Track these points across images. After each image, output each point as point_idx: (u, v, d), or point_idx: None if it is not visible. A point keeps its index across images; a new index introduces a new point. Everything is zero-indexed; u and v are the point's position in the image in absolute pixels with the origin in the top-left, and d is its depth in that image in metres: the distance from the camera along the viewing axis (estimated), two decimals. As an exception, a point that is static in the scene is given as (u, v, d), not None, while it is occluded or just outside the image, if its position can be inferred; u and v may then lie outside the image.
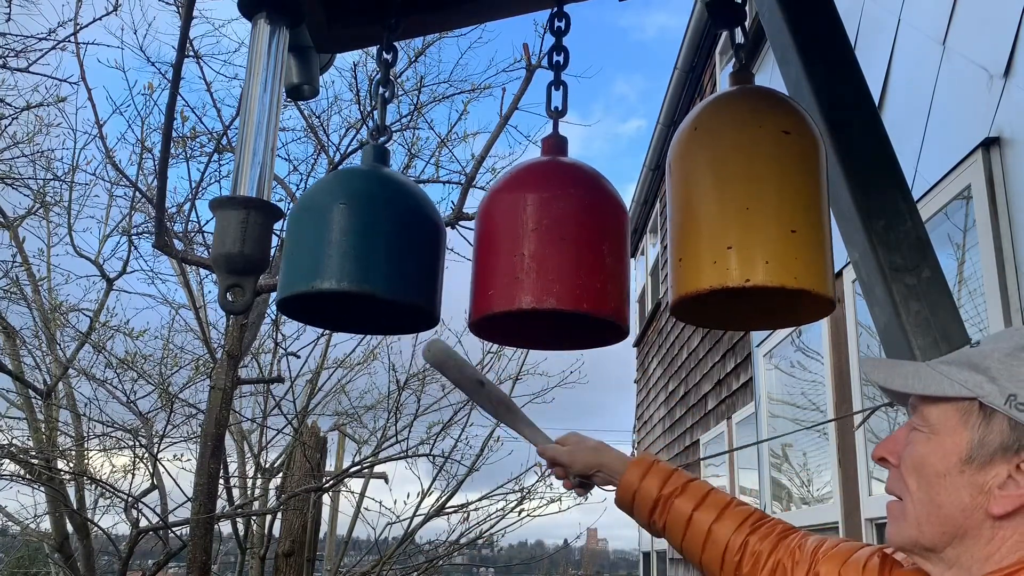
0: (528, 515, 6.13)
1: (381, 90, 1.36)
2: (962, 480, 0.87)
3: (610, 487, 1.36)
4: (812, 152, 1.18)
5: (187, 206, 5.12)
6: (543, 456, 1.42)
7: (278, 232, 4.85)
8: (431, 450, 5.90)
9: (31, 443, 5.68)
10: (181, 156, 5.11)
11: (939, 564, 0.90)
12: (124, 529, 5.08)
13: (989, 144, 2.68)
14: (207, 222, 5.44)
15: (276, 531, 5.77)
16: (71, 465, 5.73)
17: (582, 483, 1.40)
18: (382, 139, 1.32)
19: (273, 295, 5.06)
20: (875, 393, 3.60)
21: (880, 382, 0.97)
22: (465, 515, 5.98)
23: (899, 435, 0.96)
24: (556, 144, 1.27)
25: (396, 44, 1.40)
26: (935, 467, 0.89)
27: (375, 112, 1.39)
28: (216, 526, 4.86)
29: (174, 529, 4.39)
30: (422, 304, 1.20)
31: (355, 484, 6.92)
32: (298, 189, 5.62)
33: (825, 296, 1.13)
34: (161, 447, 5.10)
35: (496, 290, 1.14)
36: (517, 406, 1.46)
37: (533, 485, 6.11)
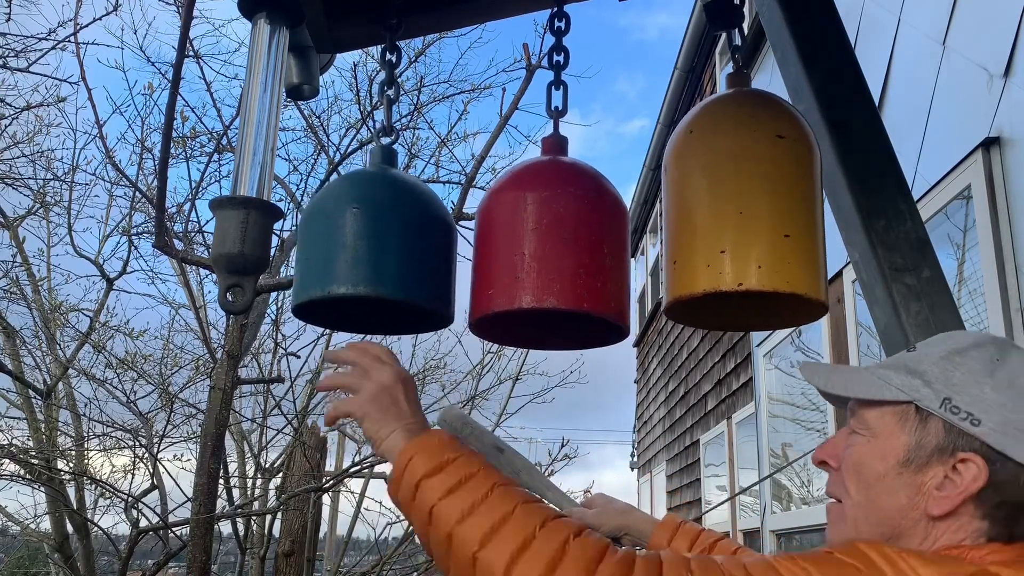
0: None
1: (386, 90, 1.36)
2: (900, 482, 0.89)
3: (639, 548, 1.35)
4: (806, 156, 1.18)
5: (187, 206, 5.13)
6: (570, 516, 1.40)
7: (278, 232, 4.85)
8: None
9: (31, 443, 5.67)
10: (181, 156, 5.11)
11: None
12: (124, 529, 5.08)
13: (989, 144, 2.68)
14: (207, 222, 5.45)
15: (276, 531, 5.76)
16: (71, 465, 5.73)
17: None
18: (388, 140, 1.32)
19: (274, 295, 5.06)
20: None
21: (819, 386, 0.99)
22: (465, 515, 5.97)
23: (839, 439, 0.98)
24: (556, 144, 1.27)
25: (398, 44, 1.40)
26: (874, 469, 0.91)
27: (379, 113, 1.39)
28: (216, 526, 4.86)
29: (174, 529, 4.38)
30: (435, 305, 1.21)
31: (355, 484, 6.92)
32: (298, 189, 5.62)
33: (817, 300, 1.13)
34: (161, 447, 5.09)
35: (496, 289, 1.14)
36: (540, 472, 1.44)
37: (533, 485, 6.09)
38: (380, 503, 6.00)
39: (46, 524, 5.87)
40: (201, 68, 4.84)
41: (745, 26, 1.39)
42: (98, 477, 5.33)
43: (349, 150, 5.29)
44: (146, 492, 4.92)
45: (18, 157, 5.99)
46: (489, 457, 1.41)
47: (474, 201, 4.70)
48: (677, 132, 1.24)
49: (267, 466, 6.55)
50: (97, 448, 5.81)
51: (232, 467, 6.44)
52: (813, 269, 1.13)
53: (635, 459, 12.11)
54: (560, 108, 1.32)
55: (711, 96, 1.28)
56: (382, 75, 1.40)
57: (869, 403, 0.93)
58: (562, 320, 1.27)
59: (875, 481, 0.91)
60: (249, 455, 6.72)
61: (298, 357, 5.99)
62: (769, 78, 4.74)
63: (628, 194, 10.73)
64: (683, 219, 1.17)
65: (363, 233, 1.16)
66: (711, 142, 1.18)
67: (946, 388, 0.88)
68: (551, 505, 1.35)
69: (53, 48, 4.42)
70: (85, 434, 5.82)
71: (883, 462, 0.90)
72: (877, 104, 3.15)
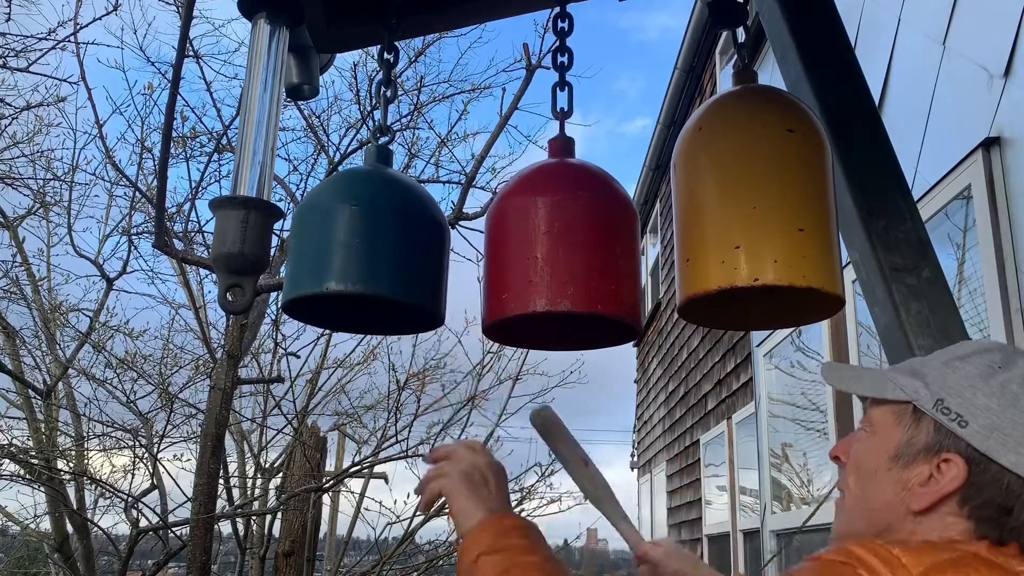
0: (528, 515, 6.12)
1: (383, 90, 1.36)
2: (889, 477, 0.94)
3: None
4: (817, 150, 1.18)
5: (187, 206, 5.13)
6: (636, 550, 1.37)
7: (278, 232, 4.85)
8: (431, 450, 5.88)
9: (31, 443, 5.67)
10: (181, 156, 5.12)
11: None
12: (124, 529, 5.08)
13: (989, 144, 2.68)
14: (207, 222, 5.45)
15: (276, 531, 5.76)
16: (71, 465, 5.73)
17: None
18: (385, 139, 1.32)
19: (273, 295, 5.06)
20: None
21: (834, 384, 1.06)
22: (465, 515, 5.96)
23: (852, 436, 1.03)
24: (563, 146, 1.27)
25: (396, 44, 1.40)
26: (869, 464, 0.97)
27: (376, 112, 1.39)
28: (216, 526, 4.86)
29: (174, 529, 4.38)
30: (427, 305, 1.21)
31: (355, 484, 6.91)
32: (298, 189, 5.62)
33: (833, 294, 1.13)
34: (161, 447, 5.09)
35: (510, 294, 1.14)
36: (616, 498, 1.40)
37: (533, 485, 6.10)
38: (380, 503, 5.99)
39: (46, 524, 5.87)
40: (201, 68, 4.85)
41: (747, 24, 1.39)
42: (98, 477, 5.33)
43: (349, 150, 5.30)
44: (146, 492, 4.93)
45: (18, 157, 6.00)
46: (573, 465, 1.36)
47: (474, 201, 4.71)
48: (686, 129, 1.24)
49: (267, 466, 6.55)
50: (97, 448, 5.81)
51: (232, 467, 6.44)
52: (829, 262, 1.14)
53: (635, 459, 12.11)
54: (565, 109, 1.31)
55: (719, 93, 1.28)
56: (381, 75, 1.40)
57: (877, 402, 0.98)
58: (575, 322, 1.27)
59: (869, 476, 0.96)
60: (249, 455, 6.72)
61: (298, 357, 5.99)
62: (769, 77, 4.73)
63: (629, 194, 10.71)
64: (695, 216, 1.17)
65: (358, 231, 1.16)
66: (720, 138, 1.18)
67: (941, 390, 0.92)
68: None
69: (53, 48, 4.42)
70: (85, 434, 5.82)
71: (877, 457, 0.95)
72: (877, 104, 3.15)
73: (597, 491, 1.36)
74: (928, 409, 0.92)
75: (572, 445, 1.36)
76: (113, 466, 5.73)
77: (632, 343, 11.91)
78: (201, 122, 5.56)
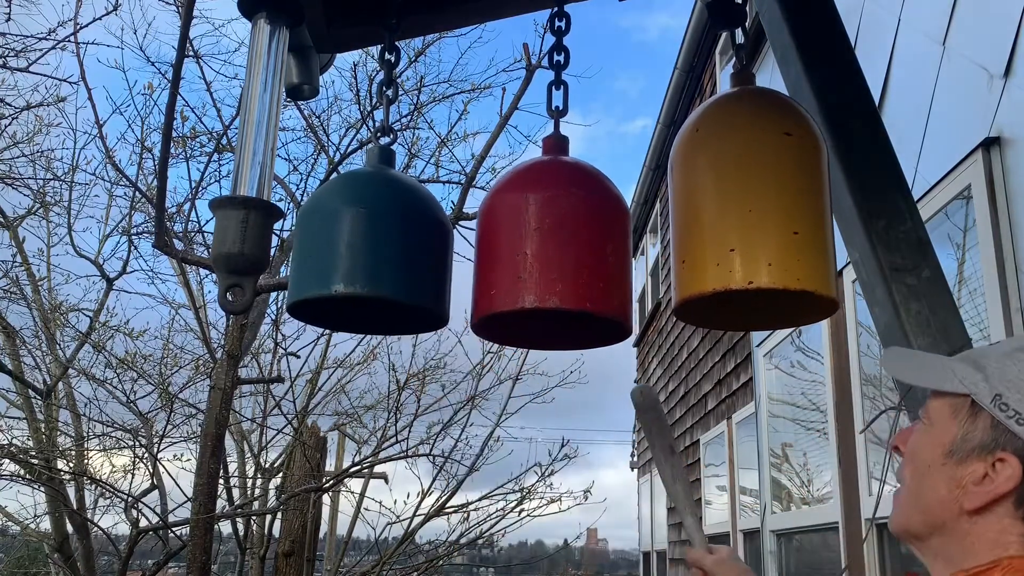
0: (528, 515, 6.12)
1: (384, 90, 1.36)
2: (943, 473, 0.91)
3: None
4: (814, 153, 1.18)
5: (187, 206, 5.13)
6: (688, 554, 1.34)
7: (278, 232, 4.85)
8: (431, 450, 5.89)
9: (31, 443, 5.68)
10: (181, 156, 5.11)
11: (928, 554, 0.94)
12: (124, 529, 5.08)
13: (989, 144, 2.68)
14: (207, 222, 5.45)
15: (276, 531, 5.76)
16: (71, 465, 5.73)
17: None
18: (386, 140, 1.32)
19: (273, 295, 5.06)
20: (875, 392, 3.60)
21: (894, 375, 1.03)
22: (465, 515, 5.97)
23: (912, 426, 1.00)
24: (557, 144, 1.27)
25: (397, 44, 1.40)
26: (923, 458, 0.93)
27: (377, 112, 1.39)
28: (216, 526, 4.86)
29: (174, 529, 4.38)
30: (431, 305, 1.21)
31: (355, 484, 6.91)
32: (298, 189, 5.62)
33: (828, 297, 1.13)
34: (161, 447, 5.09)
35: (499, 290, 1.14)
36: (691, 493, 1.40)
37: (533, 485, 6.09)
38: (380, 503, 5.99)
39: (46, 524, 5.87)
40: (201, 68, 4.85)
41: (746, 25, 1.39)
42: (98, 477, 5.32)
43: (349, 150, 5.29)
44: (146, 492, 4.93)
45: (18, 157, 5.99)
46: (660, 449, 1.37)
47: (474, 201, 4.71)
48: (683, 131, 1.24)
49: (267, 466, 6.55)
50: (97, 448, 5.81)
51: (232, 467, 6.44)
52: (823, 266, 1.13)
53: (635, 459, 12.11)
54: (561, 108, 1.31)
55: (717, 95, 1.28)
56: (381, 75, 1.40)
57: (936, 393, 0.95)
58: (564, 320, 1.27)
59: (924, 470, 0.93)
60: (249, 455, 6.72)
61: (298, 357, 5.99)
62: (769, 78, 4.74)
63: (628, 194, 10.72)
64: (691, 218, 1.17)
65: (362, 232, 1.16)
66: (718, 141, 1.18)
67: (1000, 384, 0.88)
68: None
69: (53, 48, 4.43)
70: (85, 434, 5.82)
71: (932, 451, 0.92)
72: (877, 104, 3.15)
73: (676, 481, 1.37)
74: (986, 404, 0.88)
75: (664, 430, 1.38)
76: (113, 466, 5.74)
77: (632, 343, 11.92)
78: (201, 122, 5.56)
